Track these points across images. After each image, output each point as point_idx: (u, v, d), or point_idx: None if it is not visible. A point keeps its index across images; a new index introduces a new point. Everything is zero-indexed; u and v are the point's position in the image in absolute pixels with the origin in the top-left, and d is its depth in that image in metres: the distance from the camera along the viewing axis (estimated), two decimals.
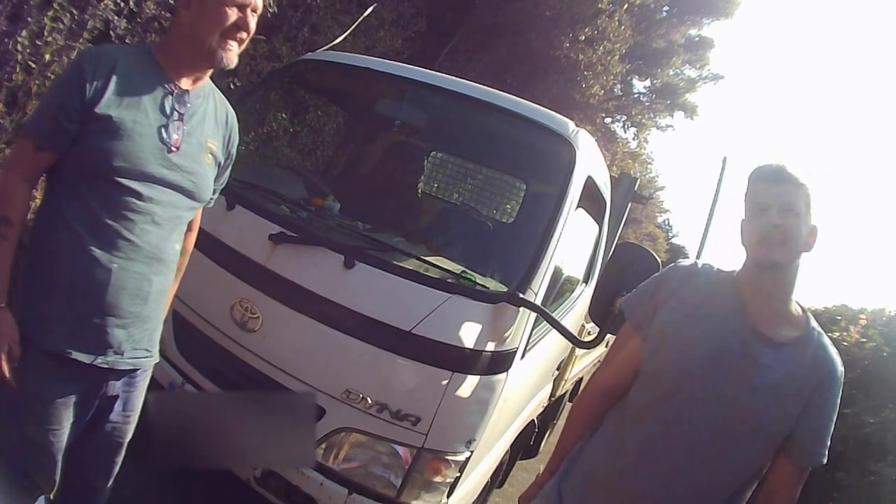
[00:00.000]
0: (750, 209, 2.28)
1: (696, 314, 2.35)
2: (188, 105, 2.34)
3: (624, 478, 2.41)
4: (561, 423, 8.19)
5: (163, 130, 2.24)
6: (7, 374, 2.11)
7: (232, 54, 2.30)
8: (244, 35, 2.30)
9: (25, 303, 2.24)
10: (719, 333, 2.29)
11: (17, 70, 4.96)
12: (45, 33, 4.97)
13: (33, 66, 5.03)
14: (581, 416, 2.70)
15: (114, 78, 2.17)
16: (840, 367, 2.30)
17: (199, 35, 2.28)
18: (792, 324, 2.32)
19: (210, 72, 2.44)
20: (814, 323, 2.35)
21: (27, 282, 2.25)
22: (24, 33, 4.82)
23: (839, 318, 8.18)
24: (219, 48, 2.27)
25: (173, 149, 2.27)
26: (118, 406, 2.47)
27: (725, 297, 2.36)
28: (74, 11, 5.14)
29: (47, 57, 5.06)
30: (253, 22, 2.30)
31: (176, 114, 2.29)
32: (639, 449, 2.39)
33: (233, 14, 2.24)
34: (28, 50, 4.88)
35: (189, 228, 2.66)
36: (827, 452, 2.33)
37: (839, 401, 2.32)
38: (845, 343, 7.25)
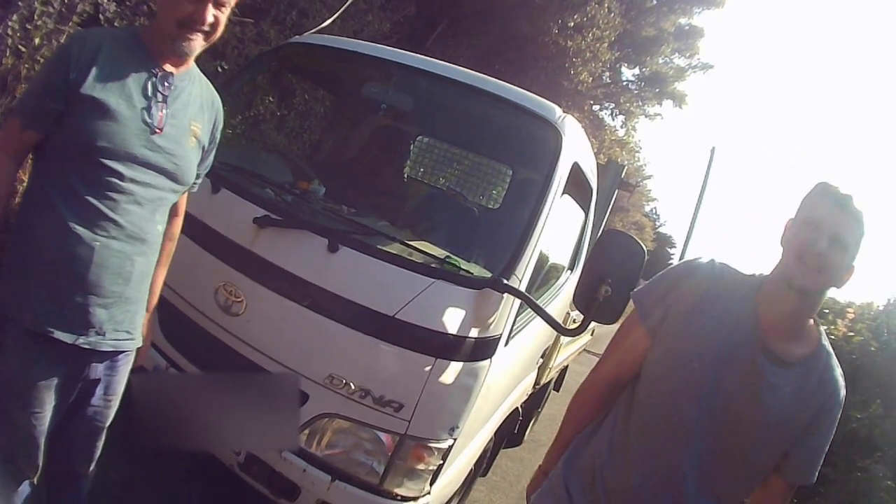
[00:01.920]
0: (803, 219, 2.21)
1: (708, 319, 2.30)
2: (172, 87, 2.34)
3: (629, 475, 2.40)
4: (546, 411, 8.27)
5: (146, 112, 2.24)
6: None
7: (192, 44, 2.29)
8: (204, 28, 2.28)
9: (7, 282, 2.24)
10: (730, 343, 2.25)
11: (7, 54, 4.96)
12: (35, 17, 4.97)
13: (23, 49, 5.03)
14: (585, 405, 2.68)
15: (99, 59, 2.17)
16: (843, 392, 2.30)
17: (161, 23, 2.32)
18: (803, 341, 2.29)
19: (192, 57, 2.43)
20: (825, 341, 2.32)
21: (10, 261, 2.25)
22: (14, 17, 4.81)
23: (827, 311, 8.20)
24: (177, 37, 2.27)
25: (157, 130, 2.27)
26: (99, 390, 2.47)
27: (741, 305, 2.30)
28: None
29: (37, 41, 5.06)
30: (210, 14, 2.25)
31: (160, 95, 2.29)
32: (643, 447, 2.38)
33: (188, 6, 2.23)
34: (18, 34, 4.86)
35: (175, 213, 2.67)
36: (817, 473, 2.35)
37: (837, 423, 2.32)
38: (832, 337, 7.26)
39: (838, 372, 2.30)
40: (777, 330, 2.24)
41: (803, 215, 2.21)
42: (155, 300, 2.74)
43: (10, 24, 4.81)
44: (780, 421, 2.22)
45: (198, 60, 2.50)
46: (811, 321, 2.32)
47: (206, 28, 2.28)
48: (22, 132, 2.21)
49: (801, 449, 2.29)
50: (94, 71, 2.15)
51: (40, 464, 2.40)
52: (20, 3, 4.83)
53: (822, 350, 2.29)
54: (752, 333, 2.24)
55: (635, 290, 2.61)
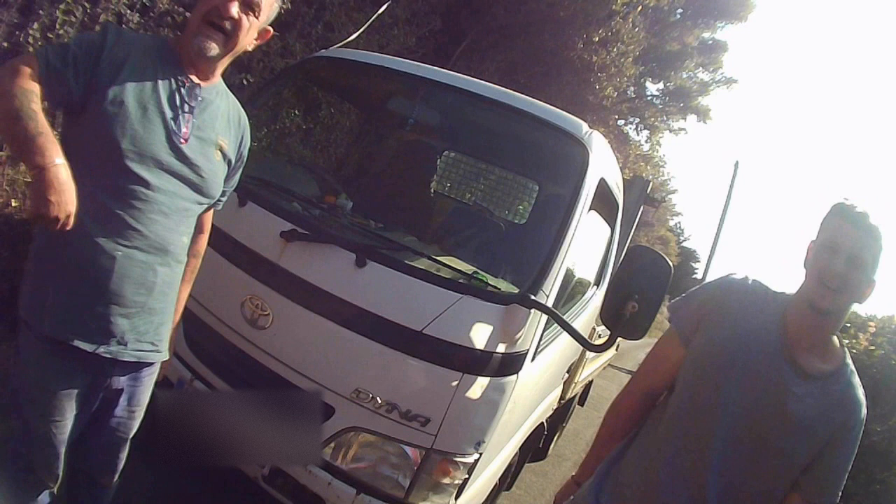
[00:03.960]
0: (821, 242, 2.29)
1: (739, 331, 2.36)
2: (199, 99, 2.36)
3: (657, 490, 2.44)
4: (570, 425, 8.25)
5: (172, 121, 2.25)
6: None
7: (209, 43, 2.28)
8: (227, 24, 2.28)
9: (28, 289, 2.25)
10: (758, 354, 2.31)
11: None
12: (57, 26, 4.97)
13: None
14: (620, 416, 2.74)
15: (130, 60, 2.19)
16: (864, 410, 2.32)
17: (190, 24, 2.33)
18: (827, 358, 2.34)
19: (219, 68, 2.46)
20: (849, 360, 2.36)
21: (32, 269, 2.26)
22: (35, 25, 4.83)
23: (848, 325, 8.19)
24: (199, 33, 2.28)
25: (182, 140, 2.28)
26: (123, 400, 2.47)
27: (770, 319, 2.37)
28: (87, 4, 5.13)
29: None
30: (234, 10, 2.26)
31: (186, 106, 2.31)
32: (672, 461, 2.42)
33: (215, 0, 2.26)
34: (40, 42, 4.88)
35: (200, 230, 2.68)
36: (840, 494, 2.35)
37: (859, 442, 2.33)
38: (854, 350, 7.23)
39: (860, 391, 2.33)
40: (802, 344, 2.32)
41: (822, 238, 2.29)
42: (178, 316, 2.74)
43: (31, 32, 4.83)
44: (802, 431, 2.25)
45: (223, 72, 2.52)
46: (835, 339, 2.37)
47: (227, 25, 2.28)
48: (38, 78, 2.04)
49: (821, 466, 2.30)
50: (124, 69, 2.16)
51: (60, 473, 2.40)
52: (41, 12, 4.86)
53: (846, 368, 2.34)
54: (779, 345, 2.31)
55: (671, 302, 2.66)
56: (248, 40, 2.41)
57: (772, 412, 2.26)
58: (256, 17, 2.36)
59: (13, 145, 2.03)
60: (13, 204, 4.97)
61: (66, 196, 1.89)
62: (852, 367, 2.36)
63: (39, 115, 1.95)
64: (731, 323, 2.39)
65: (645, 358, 2.74)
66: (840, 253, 2.19)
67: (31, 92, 1.98)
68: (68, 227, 1.91)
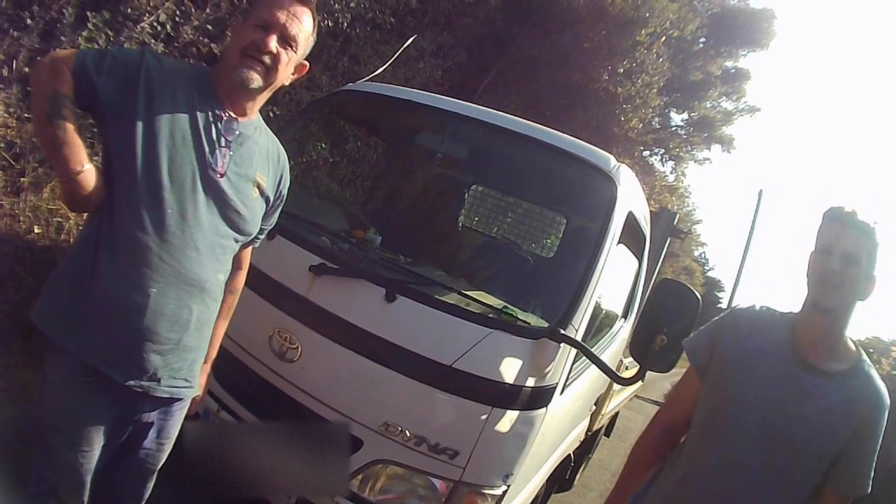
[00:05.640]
0: (817, 246, 2.38)
1: (751, 355, 2.44)
2: (237, 133, 2.34)
3: None
4: (596, 456, 8.19)
5: (209, 154, 2.24)
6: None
7: (251, 74, 2.27)
8: (266, 58, 2.28)
9: (62, 315, 2.20)
10: (773, 372, 2.38)
11: None
12: None
13: None
14: (644, 454, 2.78)
15: (169, 87, 2.19)
16: (887, 400, 2.38)
17: (227, 58, 2.34)
18: (842, 358, 2.41)
19: (257, 104, 2.45)
20: (864, 357, 2.43)
21: (65, 294, 2.22)
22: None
23: (871, 350, 8.19)
24: (238, 65, 2.27)
25: (219, 174, 2.27)
26: (152, 433, 2.46)
27: (780, 336, 2.45)
28: (110, 33, 5.19)
29: None
30: (273, 45, 2.27)
31: (223, 140, 2.29)
32: (698, 486, 2.47)
33: (254, 34, 2.27)
34: None
35: (238, 267, 2.65)
36: (870, 483, 2.39)
37: (883, 432, 2.38)
38: None
39: (880, 382, 2.41)
40: (814, 350, 2.41)
41: (818, 245, 2.39)
42: (214, 353, 2.71)
43: None
44: (826, 428, 2.32)
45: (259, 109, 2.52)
46: (849, 342, 2.44)
47: (267, 59, 2.28)
48: (71, 75, 2.06)
49: (848, 458, 2.35)
50: (161, 96, 2.16)
51: (85, 501, 2.36)
52: (63, 38, 4.91)
53: (862, 364, 2.41)
54: (793, 356, 2.40)
55: (684, 340, 2.77)
56: (286, 74, 2.41)
57: (795, 416, 2.32)
58: (294, 52, 2.36)
59: (44, 147, 2.17)
60: (35, 230, 5.01)
61: (92, 200, 2.06)
62: (869, 362, 2.44)
63: (68, 122, 2.02)
64: (744, 344, 2.49)
65: (667, 396, 2.78)
66: (835, 253, 2.30)
67: (64, 96, 2.03)
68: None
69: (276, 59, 2.31)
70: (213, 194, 2.27)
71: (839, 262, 2.27)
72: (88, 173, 2.03)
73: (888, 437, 2.42)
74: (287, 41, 2.32)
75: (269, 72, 2.32)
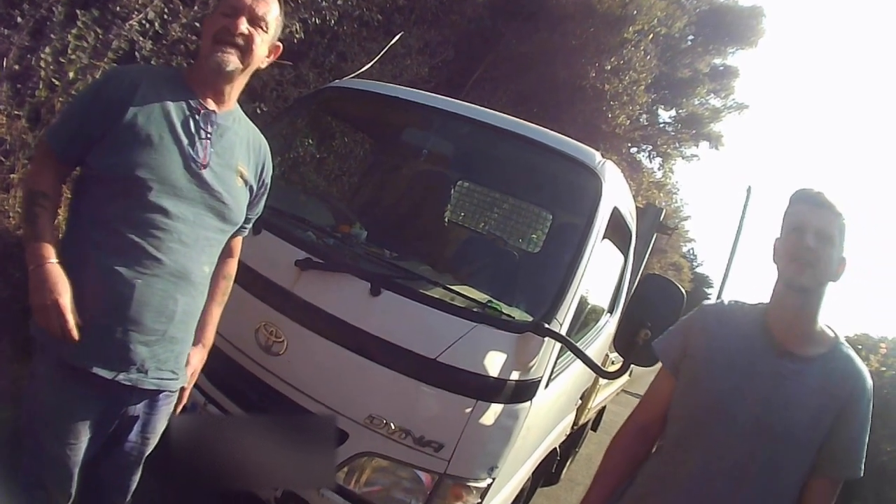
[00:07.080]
0: (786, 228, 2.36)
1: (724, 348, 2.42)
2: (216, 125, 2.37)
3: None
4: (583, 450, 8.21)
5: (189, 147, 2.27)
6: (72, 332, 2.09)
7: (226, 56, 2.31)
8: (238, 40, 2.31)
9: None
10: (748, 362, 2.36)
11: (41, 86, 5.01)
12: (69, 51, 5.03)
13: (56, 83, 5.09)
14: (618, 453, 2.74)
15: (138, 94, 2.21)
16: (869, 380, 2.36)
17: (202, 49, 2.39)
18: (819, 342, 2.39)
19: (236, 89, 2.48)
20: (842, 339, 2.41)
21: None
22: (47, 50, 4.88)
23: (860, 346, 8.22)
24: (213, 52, 2.31)
25: (201, 166, 2.29)
26: (138, 426, 2.47)
27: (752, 328, 2.43)
28: (99, 31, 5.21)
29: (71, 75, 5.14)
30: (244, 26, 2.31)
31: (203, 132, 2.32)
32: (683, 483, 2.43)
33: (222, 20, 2.31)
34: (52, 67, 4.93)
35: (229, 254, 2.69)
36: (862, 466, 2.35)
37: (870, 413, 2.36)
38: None
39: (860, 363, 2.39)
40: (789, 336, 2.38)
41: (786, 225, 2.37)
42: (212, 338, 2.74)
43: (42, 56, 4.88)
44: (810, 412, 2.29)
45: (237, 101, 2.55)
46: (825, 328, 2.42)
47: (240, 41, 2.32)
48: (57, 164, 2.27)
49: (836, 440, 2.31)
50: (134, 104, 2.19)
51: (73, 492, 2.38)
52: (52, 36, 4.91)
53: (840, 346, 2.39)
54: (767, 343, 2.38)
55: (654, 341, 2.75)
56: (261, 55, 2.44)
57: (777, 405, 2.29)
58: (266, 31, 2.39)
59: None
60: None
61: (57, 290, 2.08)
62: (846, 345, 2.41)
63: (41, 217, 2.19)
64: (717, 339, 2.46)
65: (642, 397, 2.78)
66: (808, 230, 2.27)
67: (38, 194, 2.22)
68: (67, 322, 2.08)
69: (248, 39, 2.34)
70: (197, 186, 2.29)
71: (813, 239, 2.25)
72: (53, 266, 2.12)
73: (876, 432, 2.41)
74: (256, 21, 2.36)
75: (244, 53, 2.36)
